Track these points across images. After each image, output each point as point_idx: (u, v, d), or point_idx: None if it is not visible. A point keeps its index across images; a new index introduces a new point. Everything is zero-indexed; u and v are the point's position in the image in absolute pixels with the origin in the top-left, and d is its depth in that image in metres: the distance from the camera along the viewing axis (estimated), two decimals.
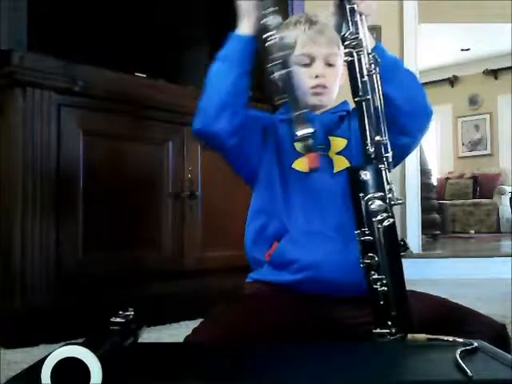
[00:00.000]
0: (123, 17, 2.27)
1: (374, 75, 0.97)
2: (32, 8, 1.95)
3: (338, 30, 1.02)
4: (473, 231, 8.00)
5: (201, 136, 1.17)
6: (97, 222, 1.98)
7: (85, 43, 2.09)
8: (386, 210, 0.93)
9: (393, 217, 0.94)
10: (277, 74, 0.99)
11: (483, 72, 9.00)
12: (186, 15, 2.58)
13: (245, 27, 1.13)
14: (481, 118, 9.23)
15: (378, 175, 0.94)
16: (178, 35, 2.52)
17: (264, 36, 1.01)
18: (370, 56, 0.97)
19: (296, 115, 0.98)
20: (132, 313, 0.84)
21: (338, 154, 1.19)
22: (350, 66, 0.97)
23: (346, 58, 0.97)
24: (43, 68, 1.84)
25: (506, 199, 7.99)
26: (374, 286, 0.93)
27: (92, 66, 1.98)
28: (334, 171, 1.17)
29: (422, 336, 0.88)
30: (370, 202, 0.93)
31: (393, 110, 1.04)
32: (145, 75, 2.24)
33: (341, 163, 1.18)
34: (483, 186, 8.54)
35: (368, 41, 1.01)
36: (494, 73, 8.93)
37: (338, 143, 1.20)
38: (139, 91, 2.12)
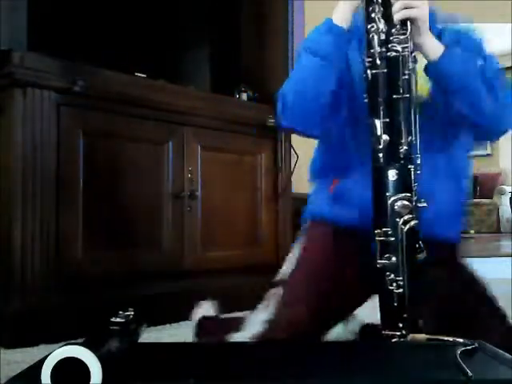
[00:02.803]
0: (123, 17, 2.27)
1: (413, 75, 0.95)
2: (32, 8, 1.95)
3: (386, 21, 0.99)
4: (473, 231, 8.00)
5: (289, 130, 1.16)
6: (97, 222, 1.98)
7: (85, 43, 2.09)
8: (411, 212, 0.92)
9: (417, 218, 0.93)
10: (369, 72, 0.95)
11: None
12: (186, 15, 2.58)
13: (343, 17, 1.05)
14: None
15: (406, 176, 0.93)
16: (178, 35, 2.52)
17: (368, 26, 0.96)
18: (412, 55, 0.96)
19: (373, 122, 0.94)
20: (132, 313, 0.84)
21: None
22: (393, 60, 0.94)
23: (390, 54, 0.95)
24: (43, 68, 1.84)
25: (506, 199, 7.98)
26: (390, 287, 0.92)
27: (92, 66, 1.98)
28: None
29: (422, 336, 0.88)
30: (395, 203, 0.92)
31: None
32: (145, 75, 2.24)
33: (425, 87, 1.10)
34: (483, 186, 8.53)
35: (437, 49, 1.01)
36: None
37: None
38: (139, 91, 2.12)
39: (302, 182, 3.03)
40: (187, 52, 2.59)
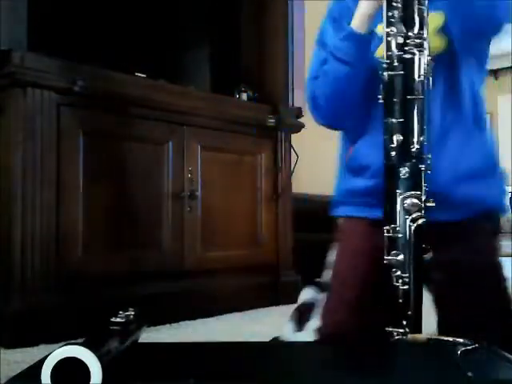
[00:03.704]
0: (123, 17, 2.27)
1: (429, 77, 0.97)
2: (32, 8, 1.95)
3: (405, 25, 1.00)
4: None
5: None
6: (97, 222, 1.98)
7: (85, 43, 2.09)
8: (420, 210, 0.94)
9: (425, 217, 0.95)
10: (386, 73, 0.97)
11: None
12: (186, 15, 2.58)
13: (361, 25, 1.08)
14: None
15: (416, 174, 0.95)
16: (178, 35, 2.52)
17: (387, 30, 0.97)
18: (429, 58, 0.97)
19: (388, 122, 0.96)
20: (132, 313, 0.84)
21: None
22: (409, 63, 0.96)
23: (406, 56, 0.96)
24: (43, 68, 1.84)
25: (506, 199, 7.98)
26: (396, 284, 0.94)
27: (92, 66, 1.98)
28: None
29: (422, 336, 0.88)
30: (405, 200, 0.94)
31: None
32: (145, 75, 2.24)
33: (437, 44, 1.07)
34: None
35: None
36: (494, 73, 8.92)
37: (434, 19, 1.06)
38: (139, 91, 2.12)
39: (301, 181, 3.03)
40: (187, 52, 2.59)
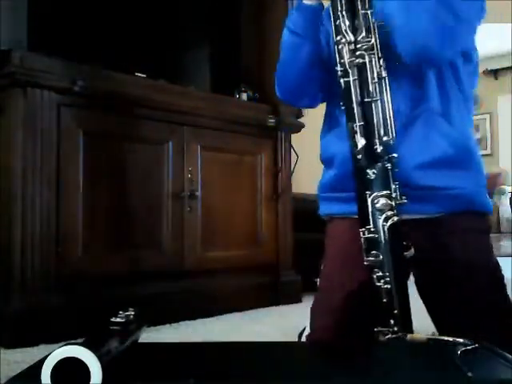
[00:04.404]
0: (123, 17, 2.27)
1: (384, 79, 0.99)
2: (32, 8, 1.95)
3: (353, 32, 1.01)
4: None
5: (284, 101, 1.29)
6: (97, 222, 1.98)
7: (85, 43, 2.09)
8: (391, 209, 0.95)
9: (398, 215, 0.95)
10: (342, 80, 1.00)
11: (483, 72, 8.98)
12: (186, 15, 2.58)
13: None
14: (481, 118, 9.22)
15: (384, 174, 0.96)
16: (178, 35, 2.52)
17: (336, 39, 1.01)
18: (381, 60, 0.99)
19: (350, 126, 0.98)
20: (132, 313, 0.84)
21: None
22: (362, 68, 0.99)
23: (358, 61, 0.98)
24: (43, 68, 1.84)
25: (505, 199, 7.98)
26: (378, 284, 0.94)
27: (92, 66, 1.98)
28: None
29: (422, 336, 0.88)
30: (376, 200, 0.95)
31: None
32: (145, 75, 2.24)
33: None
34: None
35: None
36: (494, 73, 8.92)
37: None
38: (139, 91, 2.12)
39: (301, 182, 3.03)
40: (187, 52, 2.59)
